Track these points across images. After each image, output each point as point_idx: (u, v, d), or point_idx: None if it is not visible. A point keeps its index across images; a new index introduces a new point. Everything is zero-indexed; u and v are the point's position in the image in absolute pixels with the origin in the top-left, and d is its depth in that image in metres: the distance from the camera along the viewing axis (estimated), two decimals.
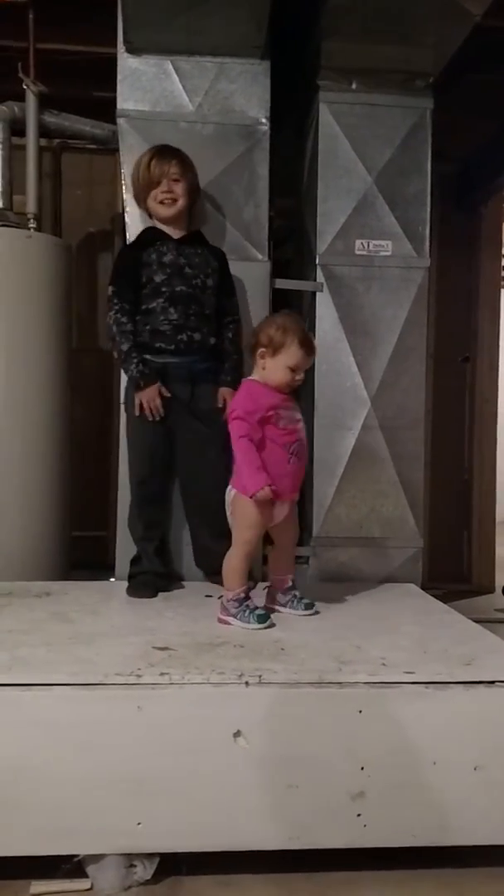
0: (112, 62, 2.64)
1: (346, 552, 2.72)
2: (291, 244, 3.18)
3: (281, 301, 2.81)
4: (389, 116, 2.75)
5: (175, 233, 2.47)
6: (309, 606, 2.16)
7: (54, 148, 3.66)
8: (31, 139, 3.08)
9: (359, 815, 1.62)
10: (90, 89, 3.23)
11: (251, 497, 2.01)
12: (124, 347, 2.41)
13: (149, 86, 2.63)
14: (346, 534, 2.71)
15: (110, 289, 2.45)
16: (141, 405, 2.41)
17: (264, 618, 2.03)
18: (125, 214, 2.63)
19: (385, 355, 2.74)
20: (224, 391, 2.50)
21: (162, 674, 1.63)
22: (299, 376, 2.07)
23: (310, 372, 2.71)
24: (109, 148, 3.18)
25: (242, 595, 2.05)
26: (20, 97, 3.07)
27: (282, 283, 2.73)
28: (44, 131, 3.16)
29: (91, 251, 3.83)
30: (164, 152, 2.43)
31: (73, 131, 3.22)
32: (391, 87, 2.74)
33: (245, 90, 2.66)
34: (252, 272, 2.65)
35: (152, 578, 2.45)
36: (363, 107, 2.74)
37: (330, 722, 1.63)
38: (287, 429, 2.07)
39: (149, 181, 2.42)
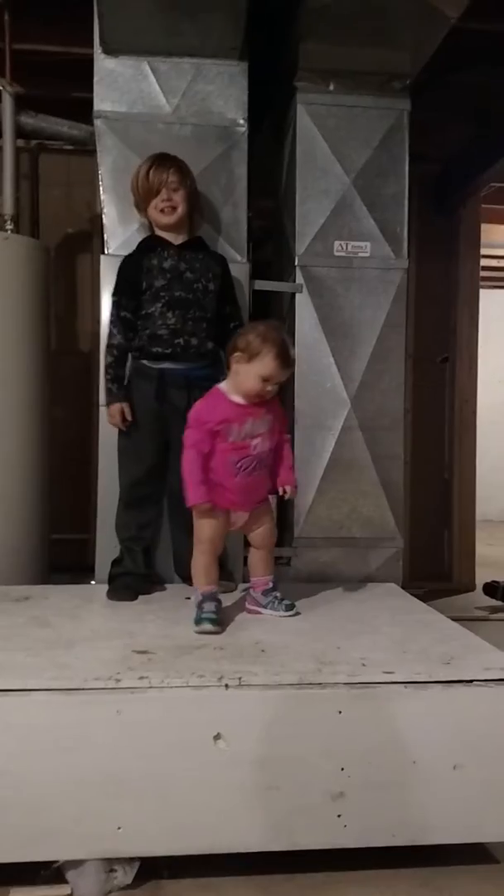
0: (90, 62, 2.63)
1: (328, 552, 2.72)
2: (270, 245, 3.18)
3: (260, 303, 2.81)
4: (367, 118, 2.76)
5: (176, 239, 2.48)
6: (290, 608, 2.16)
7: (31, 149, 3.64)
8: (7, 140, 3.07)
9: (339, 815, 1.62)
10: (68, 90, 3.21)
11: (189, 508, 2.03)
12: (106, 360, 2.46)
13: (126, 87, 2.62)
14: (327, 534, 2.72)
15: (112, 298, 2.48)
16: (129, 415, 2.43)
17: (210, 622, 2.00)
18: (103, 215, 2.62)
19: (365, 356, 2.75)
20: None
21: (141, 678, 1.63)
22: (270, 387, 2.04)
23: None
24: (87, 149, 3.16)
25: (205, 594, 2.06)
26: None
27: (261, 285, 2.73)
28: (21, 132, 3.14)
29: (70, 252, 3.81)
30: (162, 161, 2.44)
31: (51, 132, 3.21)
32: (369, 88, 2.75)
33: (223, 91, 2.66)
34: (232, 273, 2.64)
35: (133, 580, 2.44)
36: (341, 108, 2.75)
37: (310, 723, 1.63)
38: (236, 444, 2.04)
39: (148, 190, 2.43)
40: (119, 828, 1.57)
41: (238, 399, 2.05)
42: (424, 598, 2.47)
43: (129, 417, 2.43)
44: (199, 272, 2.46)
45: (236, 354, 2.04)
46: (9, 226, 3.04)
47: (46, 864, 1.58)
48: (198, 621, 2.00)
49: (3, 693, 1.57)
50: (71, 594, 2.44)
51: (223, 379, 2.13)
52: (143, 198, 2.46)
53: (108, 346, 2.45)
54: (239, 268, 2.65)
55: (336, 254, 2.73)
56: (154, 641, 1.89)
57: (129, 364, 2.47)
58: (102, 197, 2.62)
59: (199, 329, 2.44)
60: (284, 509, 2.79)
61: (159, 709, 1.61)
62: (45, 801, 1.55)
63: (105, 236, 2.63)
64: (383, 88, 2.76)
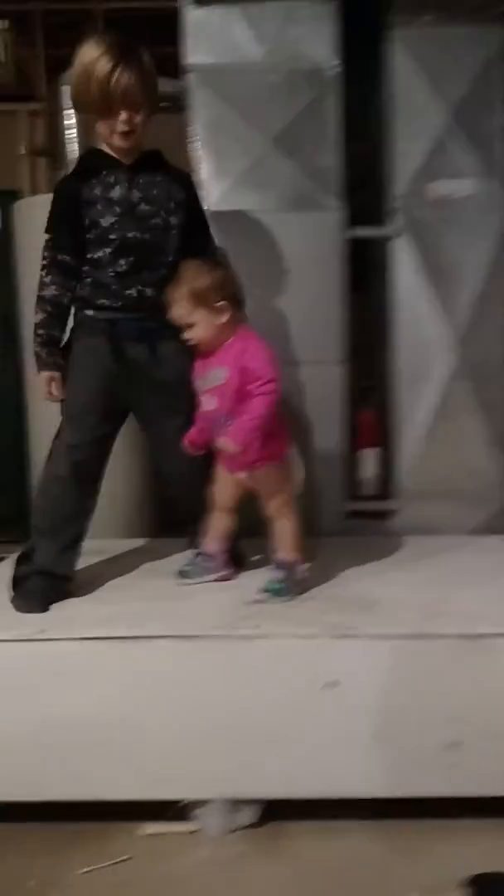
0: (178, 15, 2.59)
1: (433, 505, 2.68)
2: (365, 190, 3.09)
3: (355, 251, 2.75)
4: (465, 49, 2.60)
5: (127, 157, 1.95)
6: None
7: None
8: None
9: (454, 764, 1.63)
10: (157, 46, 3.18)
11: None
12: (36, 318, 1.96)
13: (216, 37, 2.57)
14: (433, 486, 2.67)
15: (45, 236, 1.98)
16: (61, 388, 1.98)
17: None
18: (198, 171, 2.61)
19: (468, 301, 2.65)
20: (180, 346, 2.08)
21: (255, 626, 1.67)
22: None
23: (389, 320, 2.68)
24: (178, 105, 3.14)
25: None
26: None
27: (357, 232, 2.67)
28: None
29: None
30: (128, 64, 1.84)
31: None
32: (466, 18, 2.59)
33: (314, 33, 2.57)
34: (326, 222, 2.59)
35: (49, 584, 1.92)
36: (437, 40, 2.60)
37: (422, 673, 1.64)
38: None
39: (105, 101, 1.85)
40: (241, 770, 1.63)
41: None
42: None
43: (56, 392, 1.97)
44: (158, 202, 1.96)
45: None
46: None
47: (174, 803, 1.67)
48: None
49: (124, 640, 1.65)
50: (181, 547, 2.50)
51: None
52: (94, 105, 1.88)
53: (39, 298, 1.95)
54: (333, 216, 2.59)
55: (436, 194, 2.63)
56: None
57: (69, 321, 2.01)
58: (198, 153, 2.60)
59: (157, 276, 1.96)
60: (387, 463, 2.77)
61: (273, 657, 1.65)
62: (171, 743, 1.64)
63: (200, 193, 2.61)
64: (481, 16, 2.59)
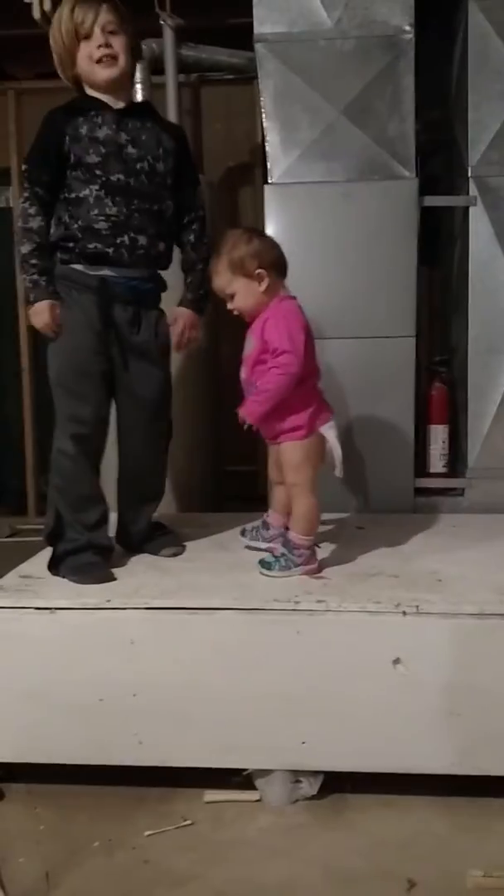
0: None
1: (502, 483, 2.61)
2: (440, 158, 3.00)
3: (431, 220, 2.68)
4: None
5: (115, 102, 1.93)
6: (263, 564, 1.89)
7: (192, 83, 3.63)
8: (170, 76, 3.07)
9: None
10: (224, 16, 3.16)
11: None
12: (24, 249, 1.88)
13: (285, 5, 2.52)
14: (503, 464, 2.60)
15: (23, 167, 1.93)
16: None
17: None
18: (266, 143, 2.58)
19: None
20: (181, 313, 2.07)
21: (319, 601, 1.67)
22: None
23: (462, 292, 2.60)
24: (247, 77, 3.11)
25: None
26: (157, 34, 3.05)
27: (431, 201, 2.58)
28: (181, 66, 3.13)
29: (231, 186, 3.80)
30: None
31: (210, 63, 3.18)
32: None
33: None
34: (399, 191, 2.52)
35: (100, 556, 1.93)
36: None
37: (492, 653, 1.60)
38: None
39: (75, 34, 1.86)
40: (303, 742, 1.64)
41: None
42: None
43: (57, 322, 1.89)
44: (145, 147, 1.92)
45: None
46: None
47: (238, 772, 1.69)
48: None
49: (192, 611, 1.67)
50: (244, 522, 2.51)
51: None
52: (68, 46, 1.89)
53: (26, 230, 1.88)
54: (407, 184, 2.52)
55: None
56: (328, 568, 1.91)
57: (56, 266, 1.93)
58: (265, 124, 2.57)
59: (148, 224, 1.92)
60: (456, 440, 2.70)
61: (337, 632, 1.64)
62: (234, 713, 1.65)
63: (268, 164, 2.58)
64: None
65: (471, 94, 2.53)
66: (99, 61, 1.87)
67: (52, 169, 1.88)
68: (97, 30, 1.86)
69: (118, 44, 1.88)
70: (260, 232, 2.00)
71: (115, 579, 1.85)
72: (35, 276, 1.89)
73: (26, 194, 1.90)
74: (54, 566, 1.91)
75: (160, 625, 1.67)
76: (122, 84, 1.95)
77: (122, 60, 1.89)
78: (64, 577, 1.87)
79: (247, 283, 1.83)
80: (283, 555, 1.87)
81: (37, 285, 1.89)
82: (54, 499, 1.95)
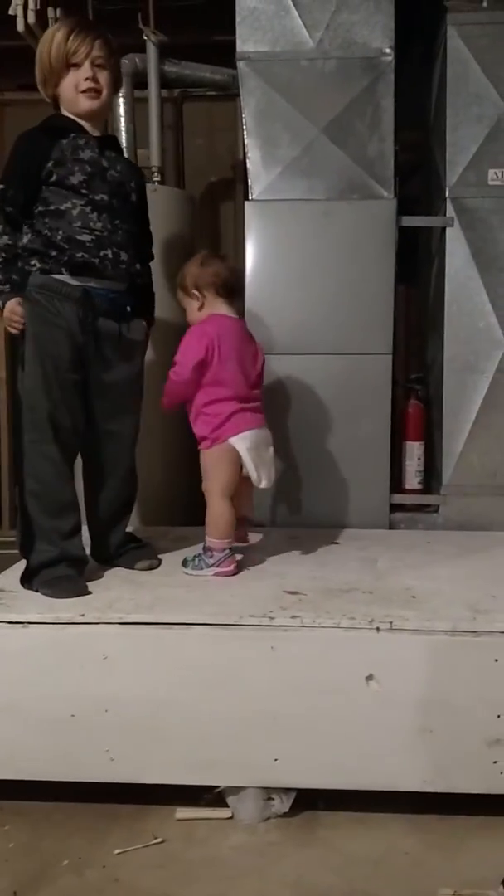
0: (231, 3, 2.58)
1: (479, 501, 2.63)
2: (418, 179, 3.05)
3: (408, 240, 2.71)
4: None
5: (92, 130, 1.97)
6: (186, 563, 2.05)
7: (175, 98, 3.65)
8: (153, 91, 3.09)
9: (495, 761, 1.60)
10: (208, 34, 3.18)
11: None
12: None
13: (268, 25, 2.55)
14: (479, 482, 2.62)
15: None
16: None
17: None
18: (247, 160, 2.60)
19: None
20: (143, 326, 2.13)
21: (293, 616, 1.67)
22: None
23: (438, 311, 2.63)
24: (229, 93, 3.13)
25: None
26: (140, 49, 3.07)
27: (409, 221, 2.62)
28: (164, 82, 3.15)
29: (212, 200, 3.82)
30: (86, 26, 1.94)
31: (194, 79, 3.19)
32: None
33: (368, 20, 2.53)
34: (377, 210, 2.55)
35: (74, 569, 1.91)
36: (494, 27, 2.54)
37: (465, 670, 1.61)
38: None
39: (65, 60, 1.89)
40: (276, 759, 1.63)
41: None
42: None
43: (18, 322, 1.90)
44: (123, 174, 1.99)
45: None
46: (156, 177, 3.08)
47: (209, 789, 1.68)
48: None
49: (166, 626, 1.66)
50: None
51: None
52: (54, 69, 1.91)
53: None
54: (385, 204, 2.55)
55: (490, 183, 2.56)
56: (304, 583, 1.92)
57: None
58: (246, 141, 2.59)
59: (128, 243, 1.97)
60: (431, 457, 2.73)
61: (311, 648, 1.64)
62: (206, 730, 1.64)
63: (249, 181, 2.60)
64: None
65: (449, 117, 2.57)
66: (84, 91, 1.92)
67: (30, 191, 1.90)
68: (87, 63, 1.91)
69: (104, 79, 1.94)
70: (213, 256, 2.17)
71: (89, 593, 1.84)
72: (1, 287, 1.94)
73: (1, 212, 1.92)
74: (27, 580, 1.89)
75: (134, 640, 1.66)
76: (102, 115, 2.03)
77: (105, 95, 1.95)
78: (37, 590, 1.85)
79: (188, 301, 2.12)
80: (197, 555, 2.03)
81: (2, 293, 1.94)
82: (27, 506, 1.91)
